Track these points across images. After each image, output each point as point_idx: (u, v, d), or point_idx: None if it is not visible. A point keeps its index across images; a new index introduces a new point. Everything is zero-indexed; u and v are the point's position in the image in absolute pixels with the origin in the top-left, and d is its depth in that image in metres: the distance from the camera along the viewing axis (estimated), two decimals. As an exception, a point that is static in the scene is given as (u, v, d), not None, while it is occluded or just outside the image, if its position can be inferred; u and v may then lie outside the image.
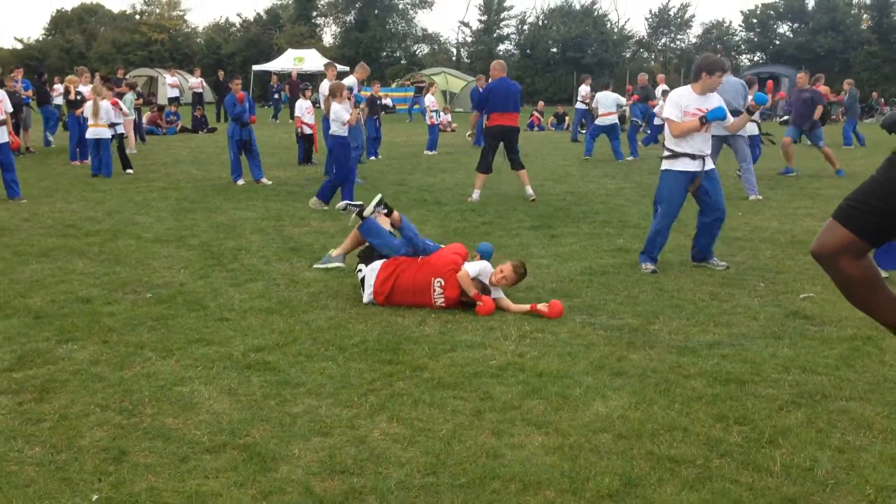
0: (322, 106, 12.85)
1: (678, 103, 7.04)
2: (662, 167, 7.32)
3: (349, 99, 11.11)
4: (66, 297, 6.18)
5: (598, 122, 18.09)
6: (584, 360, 5.02)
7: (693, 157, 7.10)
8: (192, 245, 8.09)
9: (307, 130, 16.05)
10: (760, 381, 4.66)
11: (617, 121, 18.08)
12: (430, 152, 19.05)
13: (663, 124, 7.66)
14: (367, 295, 6.21)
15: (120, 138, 14.59)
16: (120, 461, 3.69)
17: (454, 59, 62.03)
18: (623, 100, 18.98)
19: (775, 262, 7.65)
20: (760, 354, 5.09)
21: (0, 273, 6.81)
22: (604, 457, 3.78)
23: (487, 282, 6.14)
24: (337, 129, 10.50)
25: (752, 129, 12.81)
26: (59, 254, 7.57)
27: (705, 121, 6.94)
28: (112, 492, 3.42)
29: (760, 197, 11.48)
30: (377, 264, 6.29)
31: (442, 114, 25.41)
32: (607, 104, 17.79)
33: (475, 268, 6.17)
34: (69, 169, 15.02)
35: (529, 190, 11.51)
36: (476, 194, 11.36)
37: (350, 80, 12.65)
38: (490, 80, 11.51)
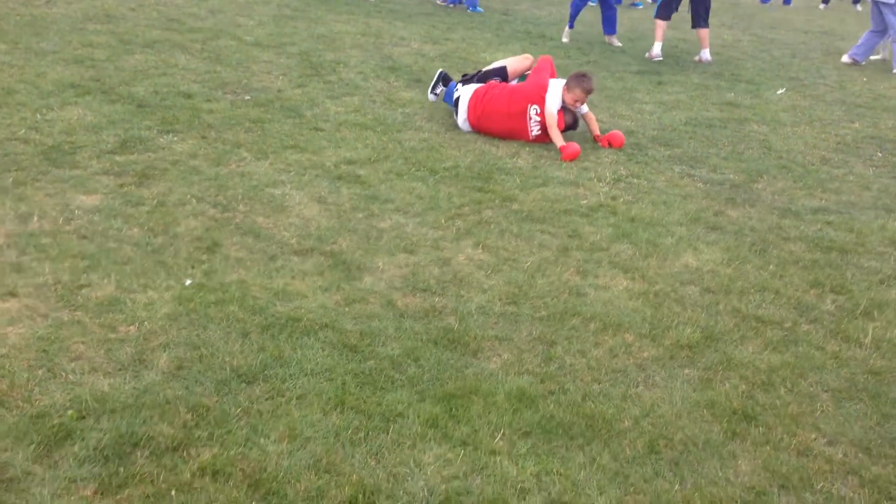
0: None
1: None
2: None
3: None
4: (169, 89, 6.24)
5: None
6: (679, 210, 4.87)
7: None
8: (291, 53, 8.01)
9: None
10: (864, 253, 4.47)
11: None
12: (539, -18, 18.13)
13: None
14: (462, 116, 6.09)
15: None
16: (213, 251, 3.81)
17: None
18: None
19: (897, 133, 7.17)
20: (868, 225, 4.85)
21: (107, 59, 6.90)
22: (688, 308, 3.72)
23: (562, 100, 5.97)
24: None
25: None
26: (162, 47, 7.60)
27: None
28: (204, 279, 3.55)
29: None
30: (473, 86, 6.15)
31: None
32: None
33: (555, 97, 5.94)
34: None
35: (706, 54, 9.80)
36: (657, 48, 9.76)
37: None
38: None
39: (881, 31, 10.42)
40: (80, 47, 7.20)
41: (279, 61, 7.62)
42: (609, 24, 10.67)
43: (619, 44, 10.62)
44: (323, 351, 3.13)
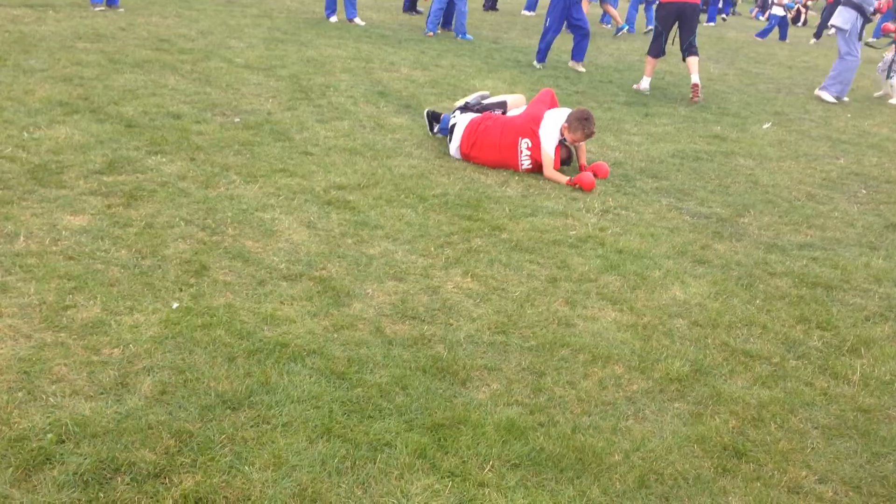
0: None
1: None
2: None
3: None
4: (158, 110, 6.22)
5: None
6: (666, 243, 4.88)
7: None
8: (281, 76, 8.02)
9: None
10: (849, 289, 4.49)
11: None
12: (528, 13, 18.33)
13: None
14: (455, 144, 6.10)
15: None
16: (201, 275, 3.77)
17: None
18: None
19: (881, 170, 7.24)
20: (853, 262, 4.88)
21: (96, 78, 6.88)
22: (676, 341, 3.72)
23: (560, 135, 5.99)
24: None
25: None
26: (152, 67, 7.58)
27: None
28: (191, 302, 3.51)
29: None
30: (470, 116, 6.17)
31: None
32: None
33: (551, 133, 5.94)
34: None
35: (695, 78, 9.67)
36: (645, 82, 9.94)
37: None
38: None
39: None
40: (69, 65, 7.18)
41: (269, 84, 7.62)
42: (580, 52, 10.93)
43: (583, 69, 10.89)
44: (310, 378, 3.09)
